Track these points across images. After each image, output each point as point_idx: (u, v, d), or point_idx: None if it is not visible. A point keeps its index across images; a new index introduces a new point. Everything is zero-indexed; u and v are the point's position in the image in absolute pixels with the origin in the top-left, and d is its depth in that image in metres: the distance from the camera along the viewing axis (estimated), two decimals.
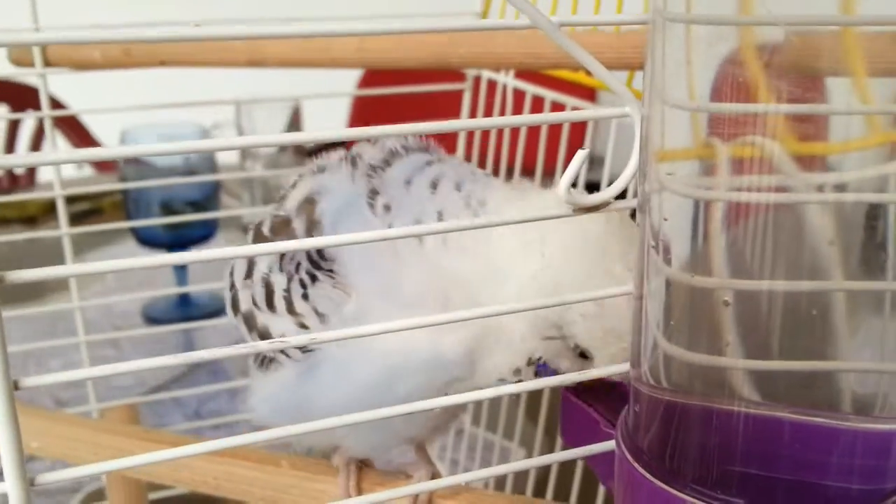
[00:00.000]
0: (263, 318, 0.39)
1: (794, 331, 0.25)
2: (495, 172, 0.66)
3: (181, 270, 1.05)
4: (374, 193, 0.38)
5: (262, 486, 0.42)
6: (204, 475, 0.43)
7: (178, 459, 0.43)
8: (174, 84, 0.61)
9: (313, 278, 0.38)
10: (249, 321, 0.40)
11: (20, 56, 0.56)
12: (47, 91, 0.57)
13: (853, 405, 0.26)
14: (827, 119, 0.23)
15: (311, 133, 0.26)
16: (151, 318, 1.07)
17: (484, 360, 0.36)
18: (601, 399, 0.36)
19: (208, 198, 1.05)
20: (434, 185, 0.38)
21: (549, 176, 0.61)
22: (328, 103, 0.74)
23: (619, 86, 0.29)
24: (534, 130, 0.59)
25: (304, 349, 0.38)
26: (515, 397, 0.73)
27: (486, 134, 0.66)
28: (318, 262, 0.38)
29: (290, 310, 0.38)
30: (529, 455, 0.70)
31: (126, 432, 0.46)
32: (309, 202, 0.39)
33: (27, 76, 0.58)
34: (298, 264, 0.38)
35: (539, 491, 0.63)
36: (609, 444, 0.33)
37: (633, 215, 0.32)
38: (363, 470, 0.42)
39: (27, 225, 1.30)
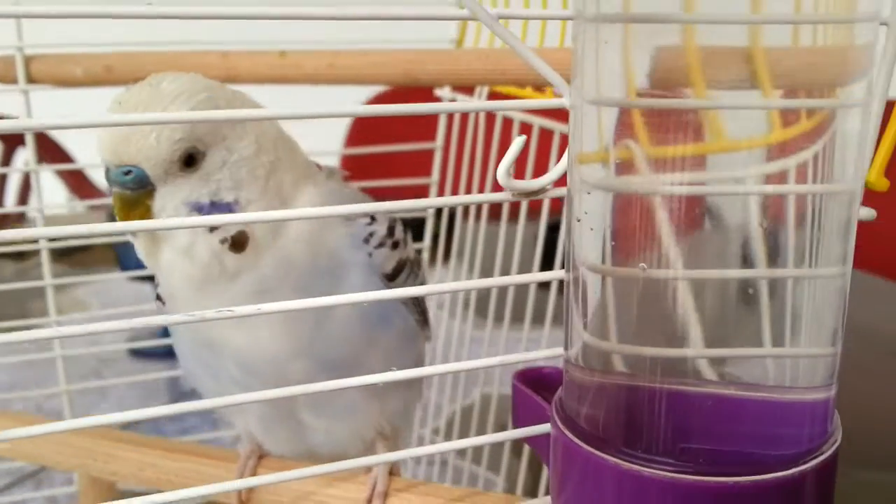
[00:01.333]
0: None
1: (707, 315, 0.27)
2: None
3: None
4: None
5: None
6: (168, 473, 0.44)
7: (143, 459, 0.45)
8: None
9: None
10: None
11: (4, 73, 0.58)
12: (29, 106, 0.59)
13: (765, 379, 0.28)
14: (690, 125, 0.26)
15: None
16: (136, 351, 1.08)
17: None
18: (549, 390, 0.37)
19: None
20: None
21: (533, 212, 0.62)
22: (327, 126, 0.76)
23: (556, 77, 0.30)
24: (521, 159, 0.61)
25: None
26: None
27: (459, 157, 0.68)
28: None
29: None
30: (512, 490, 0.70)
31: (90, 432, 0.47)
32: None
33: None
34: None
35: None
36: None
37: None
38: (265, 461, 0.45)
39: (15, 260, 1.31)
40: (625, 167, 0.27)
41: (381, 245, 0.43)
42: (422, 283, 0.48)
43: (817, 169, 0.27)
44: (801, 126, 0.26)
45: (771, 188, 0.26)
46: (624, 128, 0.27)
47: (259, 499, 0.43)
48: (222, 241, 0.38)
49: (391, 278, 0.44)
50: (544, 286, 0.62)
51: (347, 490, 0.41)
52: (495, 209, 0.69)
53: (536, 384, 0.38)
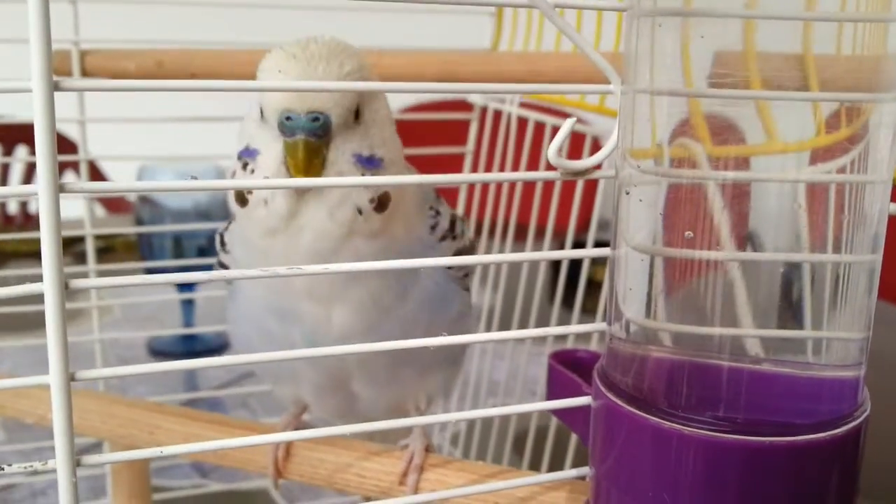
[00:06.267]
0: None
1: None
2: (493, 221, 0.70)
3: (188, 305, 1.08)
4: None
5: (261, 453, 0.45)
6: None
7: (187, 431, 0.46)
8: (192, 127, 0.65)
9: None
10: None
11: (60, 66, 0.60)
12: (83, 99, 0.61)
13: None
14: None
15: None
16: (156, 351, 1.09)
17: None
18: (581, 372, 0.39)
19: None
20: None
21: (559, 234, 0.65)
22: None
23: (605, 64, 0.32)
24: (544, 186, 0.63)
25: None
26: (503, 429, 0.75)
27: (489, 163, 0.70)
28: None
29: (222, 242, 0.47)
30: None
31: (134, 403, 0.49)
32: None
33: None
34: None
35: None
36: (589, 399, 0.35)
37: None
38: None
39: (37, 259, 1.32)
40: (679, 161, 0.29)
41: (443, 238, 0.45)
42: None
43: (855, 168, 0.29)
44: (842, 132, 0.28)
45: (813, 175, 0.28)
46: (681, 127, 0.29)
47: (297, 470, 0.44)
48: (371, 200, 0.40)
49: (450, 266, 0.46)
50: (567, 307, 0.64)
51: (384, 464, 0.43)
52: (521, 231, 0.71)
53: (570, 365, 0.40)
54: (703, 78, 0.28)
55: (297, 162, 0.38)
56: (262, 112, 0.40)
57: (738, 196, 0.28)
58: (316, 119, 0.38)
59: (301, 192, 0.40)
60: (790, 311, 0.29)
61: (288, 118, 0.39)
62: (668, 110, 0.29)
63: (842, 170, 0.28)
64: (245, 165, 0.41)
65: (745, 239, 0.28)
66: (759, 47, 0.27)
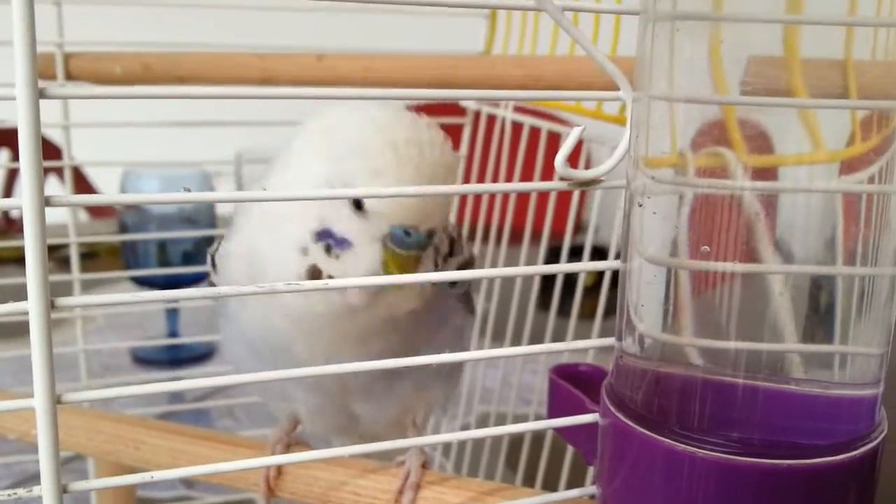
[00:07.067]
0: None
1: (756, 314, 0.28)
2: (487, 226, 0.69)
3: (172, 313, 1.06)
4: None
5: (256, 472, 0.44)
6: (200, 459, 0.44)
7: (174, 447, 0.45)
8: (179, 132, 0.64)
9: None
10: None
11: (43, 70, 0.58)
12: (67, 104, 0.60)
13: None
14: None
15: None
16: (140, 358, 1.08)
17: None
18: (583, 386, 0.38)
19: (205, 239, 1.06)
20: None
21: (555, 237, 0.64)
22: None
23: (615, 70, 0.31)
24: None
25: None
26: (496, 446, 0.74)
27: (483, 168, 0.69)
28: None
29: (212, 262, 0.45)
30: None
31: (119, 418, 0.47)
32: None
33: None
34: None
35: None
36: (595, 417, 0.34)
37: None
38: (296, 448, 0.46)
39: (21, 265, 1.30)
40: (706, 171, 0.28)
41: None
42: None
43: (882, 178, 0.28)
44: (874, 140, 0.27)
45: (848, 185, 0.27)
46: (707, 134, 0.28)
47: (290, 488, 0.43)
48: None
49: (451, 285, 0.45)
50: (562, 312, 0.63)
51: (379, 481, 0.42)
52: (516, 235, 0.69)
53: (571, 379, 0.39)
54: (733, 84, 0.26)
55: (405, 272, 0.38)
56: (359, 204, 0.38)
57: (767, 206, 0.27)
58: (431, 236, 0.39)
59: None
60: (813, 325, 0.28)
61: (407, 233, 0.38)
62: (689, 117, 0.28)
63: (870, 180, 0.27)
64: (328, 249, 0.39)
65: (775, 250, 0.27)
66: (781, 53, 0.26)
